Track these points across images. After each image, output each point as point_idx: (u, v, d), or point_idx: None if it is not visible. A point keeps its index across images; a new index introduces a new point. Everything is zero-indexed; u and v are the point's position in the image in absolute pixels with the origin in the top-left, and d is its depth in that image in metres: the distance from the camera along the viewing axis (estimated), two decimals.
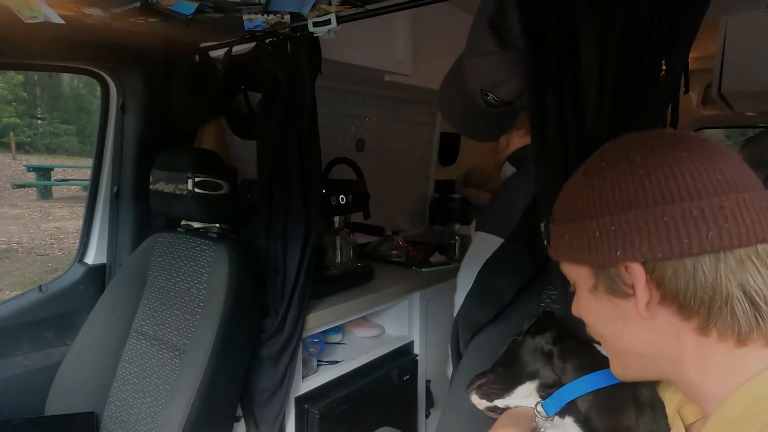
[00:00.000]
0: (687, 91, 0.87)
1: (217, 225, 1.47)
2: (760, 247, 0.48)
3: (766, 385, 0.48)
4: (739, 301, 0.48)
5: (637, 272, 0.50)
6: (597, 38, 0.82)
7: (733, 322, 0.48)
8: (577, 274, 0.58)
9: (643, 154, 0.51)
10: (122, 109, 1.57)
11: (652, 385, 0.68)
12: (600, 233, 0.52)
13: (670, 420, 0.63)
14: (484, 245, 0.97)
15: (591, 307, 0.58)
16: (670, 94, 0.82)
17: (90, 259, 1.64)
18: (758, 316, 0.48)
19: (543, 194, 0.89)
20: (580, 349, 0.73)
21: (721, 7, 1.54)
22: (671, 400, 0.65)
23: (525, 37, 0.87)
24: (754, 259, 0.48)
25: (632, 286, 0.51)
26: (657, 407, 0.66)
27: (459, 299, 1.35)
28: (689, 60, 0.85)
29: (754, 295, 0.48)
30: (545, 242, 0.62)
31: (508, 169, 1.37)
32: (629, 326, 0.54)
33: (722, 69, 1.65)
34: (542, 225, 0.63)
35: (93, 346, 1.44)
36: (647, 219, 0.49)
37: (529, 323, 0.79)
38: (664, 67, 0.81)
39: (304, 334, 1.45)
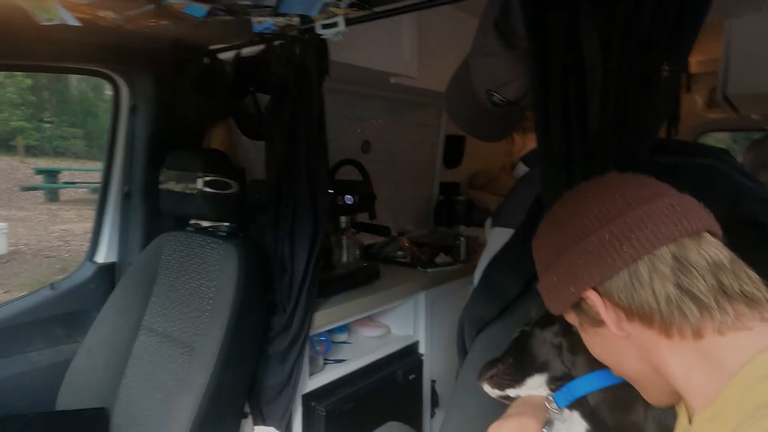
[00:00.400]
0: (689, 90, 0.89)
1: (226, 224, 1.49)
2: (677, 248, 0.54)
3: (752, 375, 0.50)
4: (681, 299, 0.53)
5: (593, 298, 0.58)
6: (600, 39, 0.84)
7: (684, 319, 0.53)
8: (569, 318, 0.66)
9: (562, 206, 0.64)
10: (133, 110, 1.60)
11: None
12: (557, 278, 0.61)
13: (677, 410, 0.64)
14: (502, 240, 0.99)
15: (590, 344, 0.65)
16: (672, 93, 0.83)
17: (100, 257, 1.66)
18: (701, 308, 0.53)
19: (546, 192, 0.90)
20: None
21: (725, 9, 1.54)
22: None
23: (529, 39, 0.89)
24: (680, 258, 0.54)
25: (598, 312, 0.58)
26: None
27: None
28: (694, 63, 0.87)
29: (693, 290, 0.53)
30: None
31: (521, 169, 1.39)
32: (619, 349, 0.60)
33: (727, 72, 1.65)
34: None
35: (103, 343, 1.47)
36: (578, 254, 0.58)
37: (537, 311, 0.80)
38: (666, 68, 0.82)
39: (311, 333, 1.47)
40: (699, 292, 0.53)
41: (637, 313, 0.56)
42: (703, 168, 0.83)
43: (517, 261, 0.93)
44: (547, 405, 0.74)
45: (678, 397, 0.61)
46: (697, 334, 0.53)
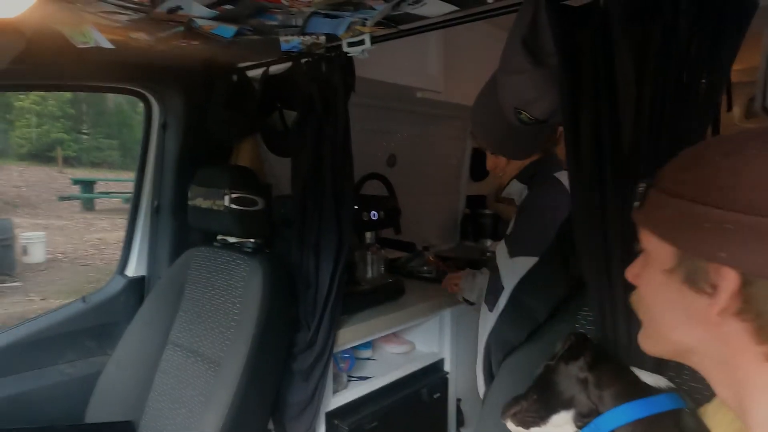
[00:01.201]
0: (729, 108, 0.85)
1: (252, 240, 1.50)
2: None
3: None
4: None
5: (731, 280, 0.46)
6: (634, 56, 0.81)
7: None
8: (658, 249, 0.54)
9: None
10: (164, 127, 1.63)
11: (696, 413, 0.66)
12: (711, 226, 0.46)
13: None
14: (525, 268, 0.97)
15: (656, 287, 0.55)
16: (710, 110, 0.80)
17: (130, 271, 1.70)
18: None
19: (578, 213, 0.87)
20: (617, 376, 0.70)
21: (765, 17, 1.49)
22: (718, 428, 0.62)
23: (559, 56, 0.86)
24: None
25: (714, 287, 0.48)
26: None
27: None
28: (732, 72, 0.83)
29: None
30: (636, 204, 0.57)
31: (515, 187, 1.36)
32: (690, 321, 0.52)
33: (766, 81, 1.59)
34: (640, 185, 0.57)
35: (131, 357, 1.49)
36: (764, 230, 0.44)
37: (562, 346, 0.77)
38: (704, 83, 0.79)
39: (335, 349, 1.46)
40: None
41: (761, 324, 0.46)
42: None
43: (546, 284, 0.90)
44: None
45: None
46: None
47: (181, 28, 1.12)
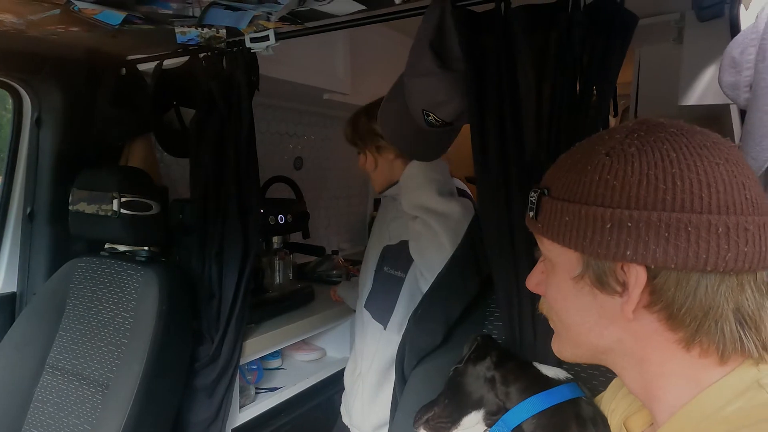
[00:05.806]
0: (616, 114, 0.92)
1: (146, 248, 1.38)
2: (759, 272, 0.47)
3: (716, 401, 0.48)
4: (730, 322, 0.47)
5: (640, 276, 0.47)
6: (534, 63, 0.85)
7: (719, 341, 0.47)
8: (563, 257, 0.54)
9: (679, 151, 0.47)
10: (37, 123, 1.45)
11: (592, 401, 0.70)
12: (611, 226, 0.47)
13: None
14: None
15: (566, 294, 0.55)
16: (602, 116, 0.86)
17: None
18: (743, 337, 0.47)
19: (485, 213, 0.90)
20: (521, 372, 0.73)
21: (636, 38, 1.66)
22: (615, 412, 0.66)
23: (465, 59, 0.88)
24: (752, 282, 0.47)
25: (623, 285, 0.49)
26: (599, 422, 0.67)
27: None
28: None
29: (746, 317, 0.47)
30: (531, 213, 0.57)
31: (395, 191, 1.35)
32: (604, 322, 0.53)
33: (638, 95, 1.77)
34: (532, 194, 0.57)
35: None
36: (670, 224, 0.45)
37: (468, 348, 0.78)
38: (595, 92, 0.85)
39: (242, 361, 1.38)
40: (752, 322, 0.47)
41: (670, 313, 0.48)
42: None
43: (458, 285, 0.91)
44: None
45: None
46: (723, 361, 0.48)
47: (57, 11, 0.99)
